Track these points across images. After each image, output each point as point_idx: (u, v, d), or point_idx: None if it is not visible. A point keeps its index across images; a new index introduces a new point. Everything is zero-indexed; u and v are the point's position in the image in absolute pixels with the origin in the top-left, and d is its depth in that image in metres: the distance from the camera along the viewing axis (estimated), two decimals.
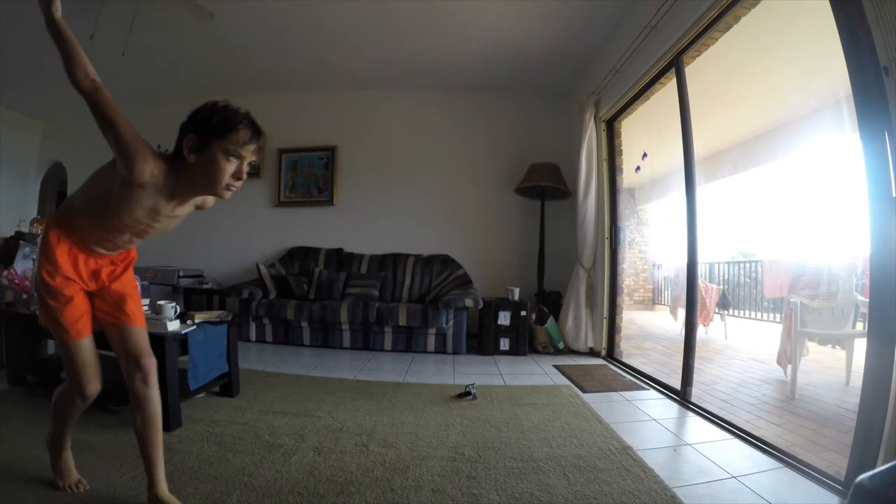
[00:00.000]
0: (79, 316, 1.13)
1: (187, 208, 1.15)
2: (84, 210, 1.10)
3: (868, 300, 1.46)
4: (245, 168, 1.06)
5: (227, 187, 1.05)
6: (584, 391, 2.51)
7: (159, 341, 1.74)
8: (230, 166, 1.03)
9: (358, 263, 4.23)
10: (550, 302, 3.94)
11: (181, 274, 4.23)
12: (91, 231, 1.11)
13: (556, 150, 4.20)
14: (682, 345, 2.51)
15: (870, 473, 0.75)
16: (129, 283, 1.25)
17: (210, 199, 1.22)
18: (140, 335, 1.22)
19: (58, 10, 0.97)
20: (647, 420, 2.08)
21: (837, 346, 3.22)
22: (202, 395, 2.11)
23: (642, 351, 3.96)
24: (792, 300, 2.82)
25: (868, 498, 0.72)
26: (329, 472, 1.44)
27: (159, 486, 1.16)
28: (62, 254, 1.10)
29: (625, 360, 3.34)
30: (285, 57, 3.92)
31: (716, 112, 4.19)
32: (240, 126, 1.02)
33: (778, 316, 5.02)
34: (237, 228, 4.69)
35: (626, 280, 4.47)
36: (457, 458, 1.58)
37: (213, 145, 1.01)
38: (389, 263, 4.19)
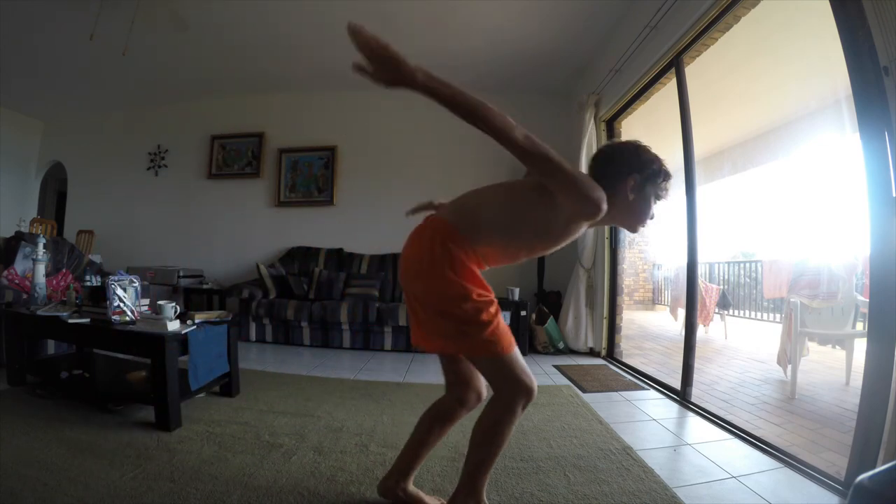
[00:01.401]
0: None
1: None
2: (496, 236, 1.09)
3: (868, 300, 1.46)
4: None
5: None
6: (584, 391, 2.51)
7: (159, 341, 1.74)
8: (653, 208, 1.12)
9: (358, 263, 4.23)
10: (550, 302, 3.94)
11: (181, 274, 4.23)
12: (497, 255, 1.12)
13: (556, 150, 4.20)
14: (682, 345, 2.51)
15: (870, 473, 0.75)
16: None
17: None
18: None
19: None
20: (647, 420, 2.08)
21: (837, 346, 3.22)
22: (202, 395, 2.11)
23: (642, 351, 3.96)
24: (792, 300, 2.82)
25: (868, 498, 0.72)
26: (329, 472, 1.44)
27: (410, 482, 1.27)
28: (478, 276, 1.08)
29: (625, 360, 3.34)
30: (285, 57, 3.93)
31: (716, 112, 4.19)
32: (671, 177, 1.12)
33: (778, 316, 5.02)
34: (237, 228, 4.69)
35: (626, 280, 4.47)
36: (457, 458, 1.57)
37: (647, 188, 1.09)
38: (389, 263, 4.19)
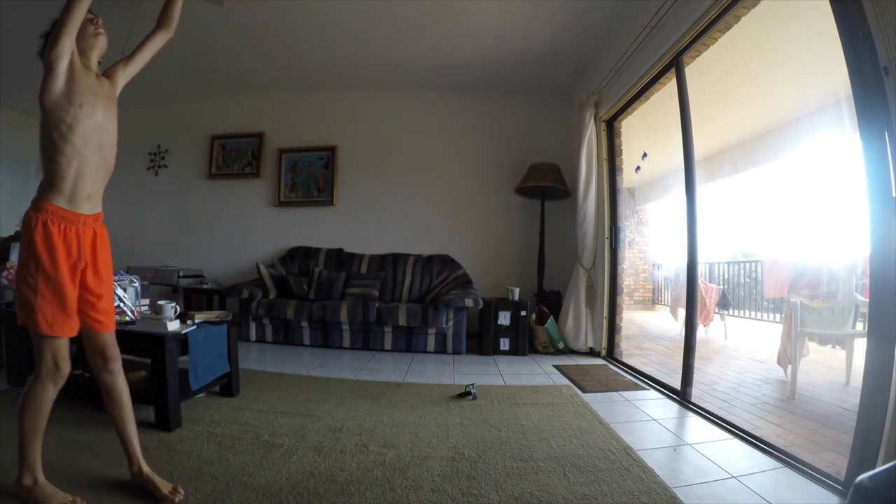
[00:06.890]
0: None
1: None
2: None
3: (868, 300, 1.46)
4: None
5: None
6: (584, 391, 2.51)
7: (159, 341, 1.74)
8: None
9: (358, 263, 4.23)
10: (550, 302, 3.94)
11: (181, 274, 4.23)
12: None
13: (556, 150, 4.20)
14: (682, 345, 2.51)
15: (870, 473, 0.75)
16: None
17: None
18: None
19: None
20: (647, 420, 2.08)
21: (837, 346, 3.22)
22: (202, 395, 2.11)
23: (642, 351, 3.96)
24: (792, 300, 2.81)
25: (868, 498, 0.72)
26: (329, 472, 1.44)
27: (140, 464, 1.29)
28: None
29: (625, 360, 3.34)
30: (285, 57, 3.92)
31: (716, 112, 4.18)
32: None
33: (778, 316, 5.02)
34: (237, 228, 4.69)
35: (626, 280, 4.47)
36: (457, 458, 1.58)
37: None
38: (389, 263, 4.19)
